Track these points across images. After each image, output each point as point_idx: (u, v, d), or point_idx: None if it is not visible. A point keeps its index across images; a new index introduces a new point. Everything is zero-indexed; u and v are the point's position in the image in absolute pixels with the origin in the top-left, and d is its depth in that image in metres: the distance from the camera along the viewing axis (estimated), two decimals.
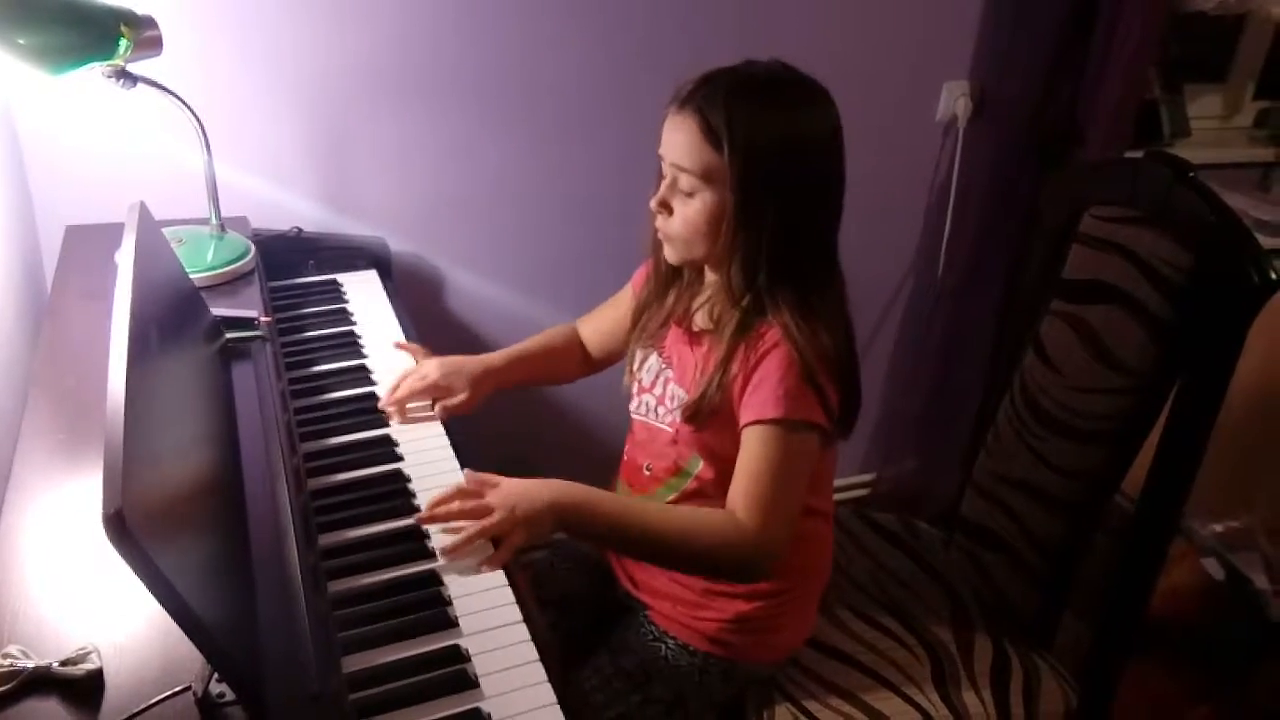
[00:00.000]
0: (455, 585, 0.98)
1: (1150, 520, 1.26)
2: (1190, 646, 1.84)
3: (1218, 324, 1.14)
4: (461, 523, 1.03)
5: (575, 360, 1.42)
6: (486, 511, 1.03)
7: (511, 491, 1.06)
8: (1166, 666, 1.80)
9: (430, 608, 0.95)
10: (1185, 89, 2.33)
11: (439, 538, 1.04)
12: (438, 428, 1.25)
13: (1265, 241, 1.13)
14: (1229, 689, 1.82)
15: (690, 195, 1.08)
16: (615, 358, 1.38)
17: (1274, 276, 1.08)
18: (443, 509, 1.04)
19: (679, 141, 1.07)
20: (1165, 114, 2.27)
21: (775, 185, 1.05)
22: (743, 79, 1.06)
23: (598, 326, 1.40)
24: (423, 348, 1.39)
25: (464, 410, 1.28)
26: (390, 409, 1.26)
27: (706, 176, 1.06)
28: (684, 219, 1.09)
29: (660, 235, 1.14)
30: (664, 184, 1.11)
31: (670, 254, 1.15)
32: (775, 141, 1.04)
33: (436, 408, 1.27)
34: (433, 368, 1.29)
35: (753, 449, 1.07)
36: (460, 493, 1.06)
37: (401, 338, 1.46)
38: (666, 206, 1.11)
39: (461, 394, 1.28)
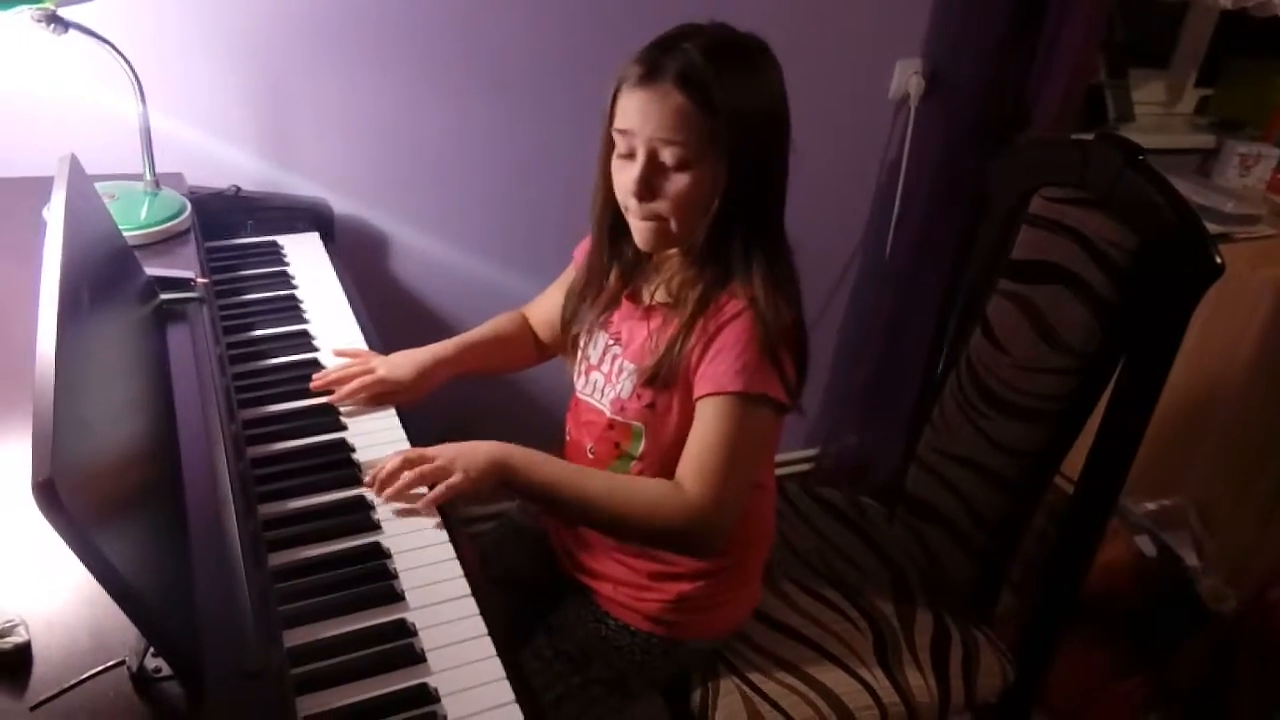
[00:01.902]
0: (403, 558, 0.96)
1: (1089, 498, 1.28)
2: (1122, 621, 1.89)
3: (1162, 307, 1.16)
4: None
5: (527, 347, 1.37)
6: (428, 460, 1.05)
7: (453, 446, 1.08)
8: (1099, 640, 1.85)
9: (376, 580, 0.93)
10: (1130, 74, 2.37)
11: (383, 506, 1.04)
12: None
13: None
14: (1159, 662, 1.88)
15: (680, 169, 1.02)
16: (559, 346, 1.33)
17: (1219, 262, 1.09)
18: (389, 465, 1.04)
19: (662, 113, 1.00)
20: (1110, 98, 2.31)
21: (760, 149, 1.04)
22: (713, 41, 1.01)
23: (545, 313, 1.35)
24: (364, 351, 1.31)
25: (413, 400, 1.23)
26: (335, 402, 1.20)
27: (699, 145, 1.01)
28: (676, 196, 1.04)
29: (644, 220, 1.07)
30: (638, 166, 1.03)
31: (652, 238, 1.08)
32: (757, 103, 1.03)
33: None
34: (379, 364, 1.23)
35: (707, 421, 1.05)
36: (402, 453, 1.07)
37: (344, 302, 1.43)
38: (650, 189, 1.04)
39: (405, 380, 1.22)
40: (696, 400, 1.07)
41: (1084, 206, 1.27)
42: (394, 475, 1.04)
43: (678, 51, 1.00)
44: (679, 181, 1.03)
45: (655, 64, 1.01)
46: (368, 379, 1.20)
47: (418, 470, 1.04)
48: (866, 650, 1.31)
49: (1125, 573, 1.92)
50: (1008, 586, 1.46)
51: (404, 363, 1.24)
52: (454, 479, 1.04)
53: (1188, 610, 1.92)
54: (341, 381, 1.21)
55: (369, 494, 1.05)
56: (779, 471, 2.36)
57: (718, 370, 1.05)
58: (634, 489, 1.09)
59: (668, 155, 1.02)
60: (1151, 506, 2.03)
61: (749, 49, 1.04)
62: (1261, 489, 2.09)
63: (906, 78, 2.05)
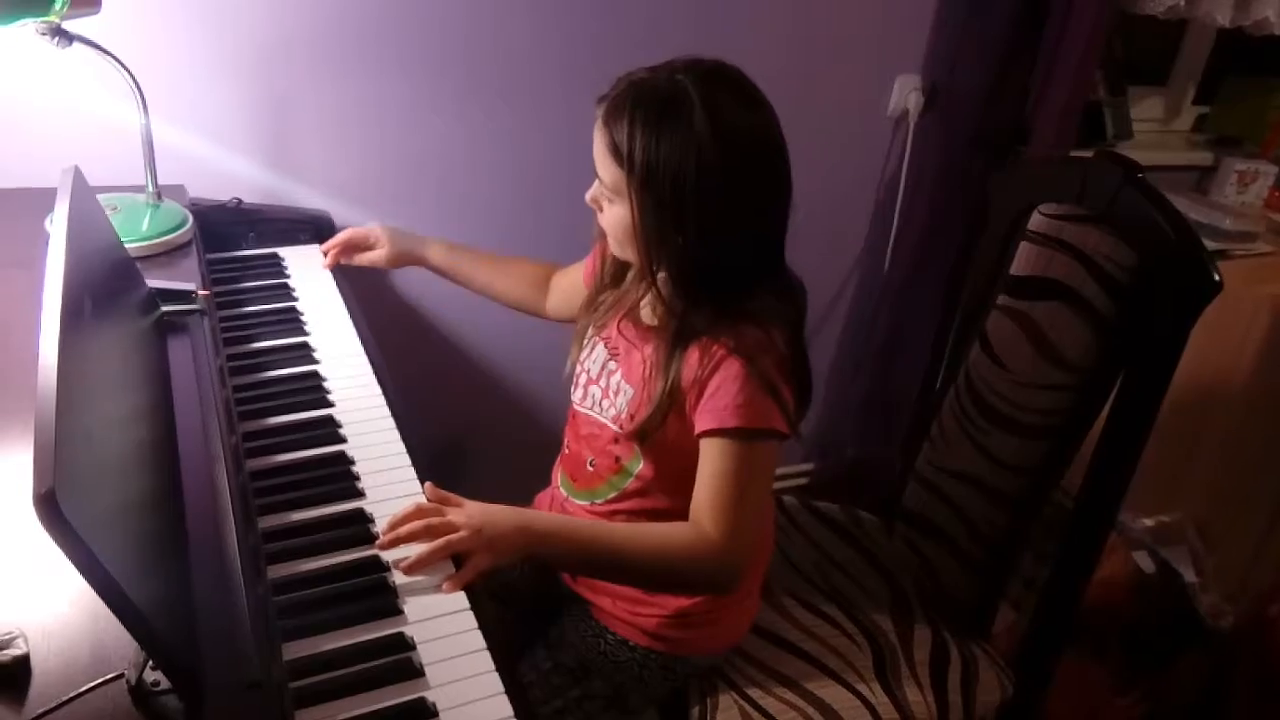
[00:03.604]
0: (401, 573, 0.96)
1: (1088, 514, 1.28)
2: (1121, 637, 1.88)
3: (1161, 324, 1.16)
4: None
5: (525, 297, 1.46)
6: (451, 529, 0.98)
7: (477, 512, 1.01)
8: (1098, 656, 1.85)
9: (375, 594, 0.92)
10: (1128, 91, 2.38)
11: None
12: (383, 410, 1.22)
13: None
14: (1157, 678, 1.88)
15: (610, 201, 1.07)
16: (562, 318, 1.41)
17: (1217, 279, 1.10)
18: (405, 528, 0.97)
19: (596, 150, 1.06)
20: (1109, 115, 2.31)
21: (683, 204, 1.00)
22: (652, 94, 1.01)
23: (562, 284, 1.42)
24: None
25: (377, 264, 1.49)
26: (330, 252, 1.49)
27: (615, 189, 1.04)
28: (607, 221, 1.09)
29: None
30: (595, 182, 1.09)
31: (612, 249, 1.15)
32: (677, 162, 0.99)
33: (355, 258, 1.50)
34: (377, 228, 1.49)
35: (713, 459, 1.04)
36: (420, 510, 0.99)
37: (345, 314, 1.43)
38: (597, 204, 1.10)
39: (382, 249, 1.48)
40: (699, 436, 1.06)
41: (1083, 223, 1.27)
42: (412, 537, 0.97)
43: (616, 98, 1.03)
44: (609, 211, 1.08)
45: (605, 99, 1.05)
46: (353, 233, 1.50)
47: (445, 540, 0.96)
48: (865, 666, 1.31)
49: (1124, 588, 1.92)
50: (1006, 602, 1.46)
51: (394, 239, 1.49)
52: (479, 560, 0.97)
53: (1186, 626, 1.92)
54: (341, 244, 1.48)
55: (366, 506, 1.04)
56: (777, 485, 2.37)
57: (718, 404, 1.04)
58: (664, 538, 1.06)
59: (603, 185, 1.07)
60: (1150, 522, 2.03)
61: (701, 105, 0.99)
62: (1260, 505, 2.09)
63: (906, 94, 2.06)
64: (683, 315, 1.07)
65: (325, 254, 1.53)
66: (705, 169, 0.99)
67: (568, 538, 1.06)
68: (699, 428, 1.06)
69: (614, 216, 1.07)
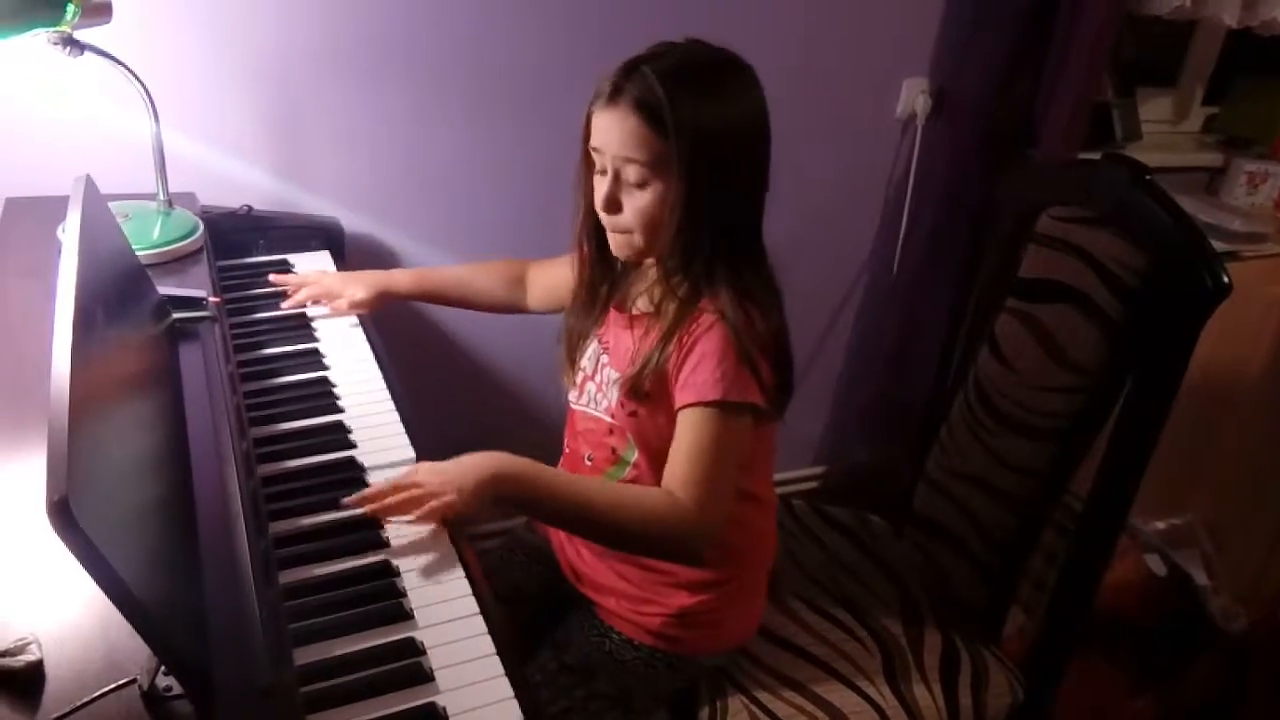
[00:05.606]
0: (411, 577, 0.96)
1: (1099, 516, 1.28)
2: (1132, 640, 1.88)
3: (1170, 326, 1.16)
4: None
5: (502, 298, 1.45)
6: (419, 488, 1.02)
7: (442, 465, 1.05)
8: (1109, 659, 1.84)
9: (385, 599, 0.93)
10: (1137, 92, 2.37)
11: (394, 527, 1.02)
12: (393, 416, 1.23)
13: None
14: (1169, 681, 1.87)
15: (640, 186, 1.06)
16: (546, 311, 1.41)
17: (1226, 281, 1.09)
18: (379, 504, 1.02)
19: (622, 131, 1.05)
20: (1117, 116, 2.30)
21: (720, 168, 1.04)
22: (675, 64, 1.04)
23: (544, 280, 1.42)
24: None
25: (361, 308, 1.43)
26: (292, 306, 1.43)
27: (655, 164, 1.04)
28: (637, 211, 1.08)
29: (614, 233, 1.12)
30: (607, 182, 1.08)
31: (623, 249, 1.13)
32: (716, 124, 1.04)
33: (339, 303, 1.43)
34: (331, 276, 1.46)
35: (689, 430, 1.06)
36: (389, 481, 1.05)
37: (354, 320, 1.44)
38: (616, 203, 1.09)
39: (357, 289, 1.42)
40: (678, 410, 1.08)
41: (1091, 225, 1.27)
42: (380, 497, 1.03)
43: (638, 74, 1.04)
44: (640, 198, 1.07)
45: (617, 86, 1.05)
46: (317, 291, 1.43)
47: (406, 494, 1.02)
48: (875, 669, 1.31)
49: (1135, 591, 1.92)
50: (1017, 605, 1.45)
51: (359, 284, 1.43)
52: (447, 498, 1.01)
53: (1198, 629, 1.91)
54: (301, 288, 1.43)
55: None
56: (786, 489, 2.37)
57: (698, 380, 1.06)
58: (634, 496, 1.09)
59: (630, 173, 1.06)
60: (1161, 525, 2.03)
61: (713, 70, 1.06)
62: (1272, 507, 2.08)
63: (913, 96, 2.06)
64: (686, 290, 1.10)
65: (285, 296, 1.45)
66: (743, 126, 1.06)
67: (538, 483, 1.06)
68: (679, 402, 1.08)
69: (646, 201, 1.07)
